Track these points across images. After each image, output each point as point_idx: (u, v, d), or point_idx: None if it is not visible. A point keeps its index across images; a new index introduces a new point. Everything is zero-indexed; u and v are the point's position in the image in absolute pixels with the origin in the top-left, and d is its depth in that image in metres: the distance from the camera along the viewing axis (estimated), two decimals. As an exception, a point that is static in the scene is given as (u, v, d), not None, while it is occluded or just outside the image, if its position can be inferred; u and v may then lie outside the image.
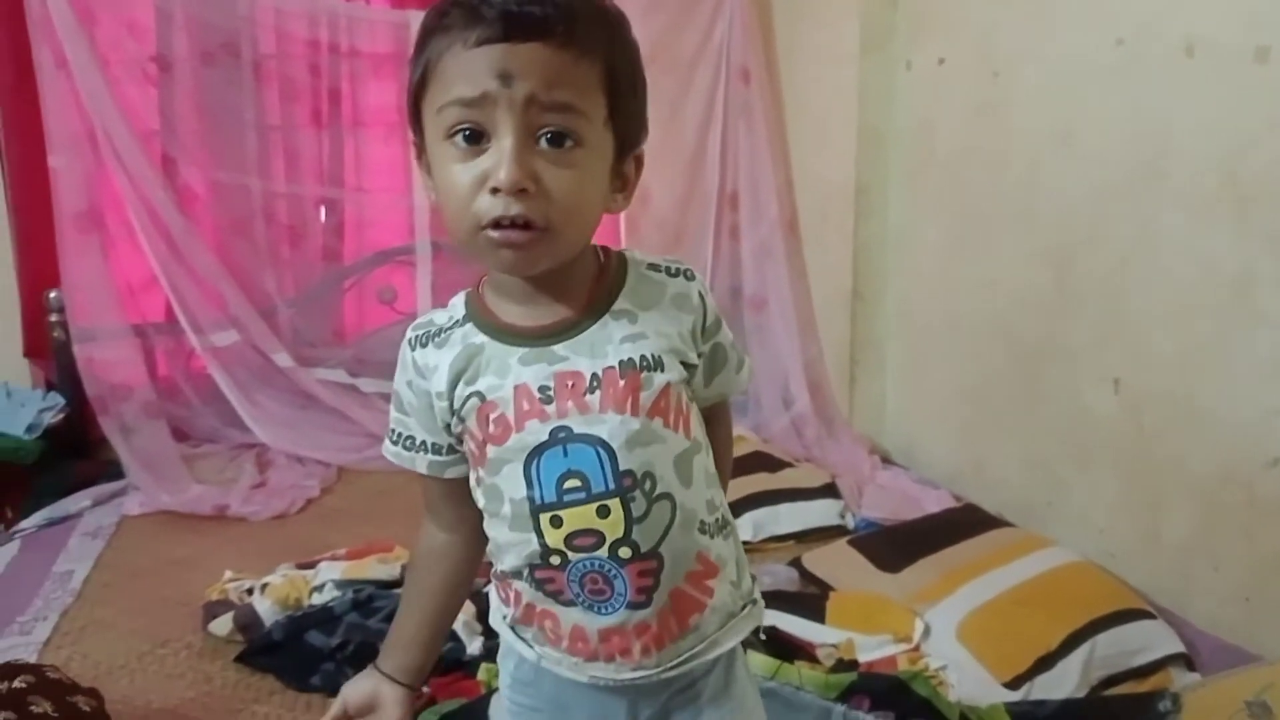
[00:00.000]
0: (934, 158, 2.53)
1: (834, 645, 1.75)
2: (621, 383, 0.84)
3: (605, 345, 0.85)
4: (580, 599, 0.86)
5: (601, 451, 0.83)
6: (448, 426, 0.90)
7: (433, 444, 0.92)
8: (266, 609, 1.91)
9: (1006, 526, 2.12)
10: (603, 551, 0.84)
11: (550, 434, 0.84)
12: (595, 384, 0.84)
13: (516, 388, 0.85)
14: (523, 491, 0.85)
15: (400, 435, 0.94)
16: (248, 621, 1.89)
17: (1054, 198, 2.14)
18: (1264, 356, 1.67)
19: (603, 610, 0.86)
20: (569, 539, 0.84)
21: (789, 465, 2.52)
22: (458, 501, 0.95)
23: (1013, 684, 1.64)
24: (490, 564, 0.95)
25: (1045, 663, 1.65)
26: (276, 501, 2.55)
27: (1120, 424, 2.01)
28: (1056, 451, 2.19)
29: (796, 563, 2.10)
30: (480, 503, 0.90)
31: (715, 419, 0.96)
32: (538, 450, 0.84)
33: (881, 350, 2.81)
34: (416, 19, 2.77)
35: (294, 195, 2.97)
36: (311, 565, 2.08)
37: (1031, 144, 2.21)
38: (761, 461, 2.51)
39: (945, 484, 2.49)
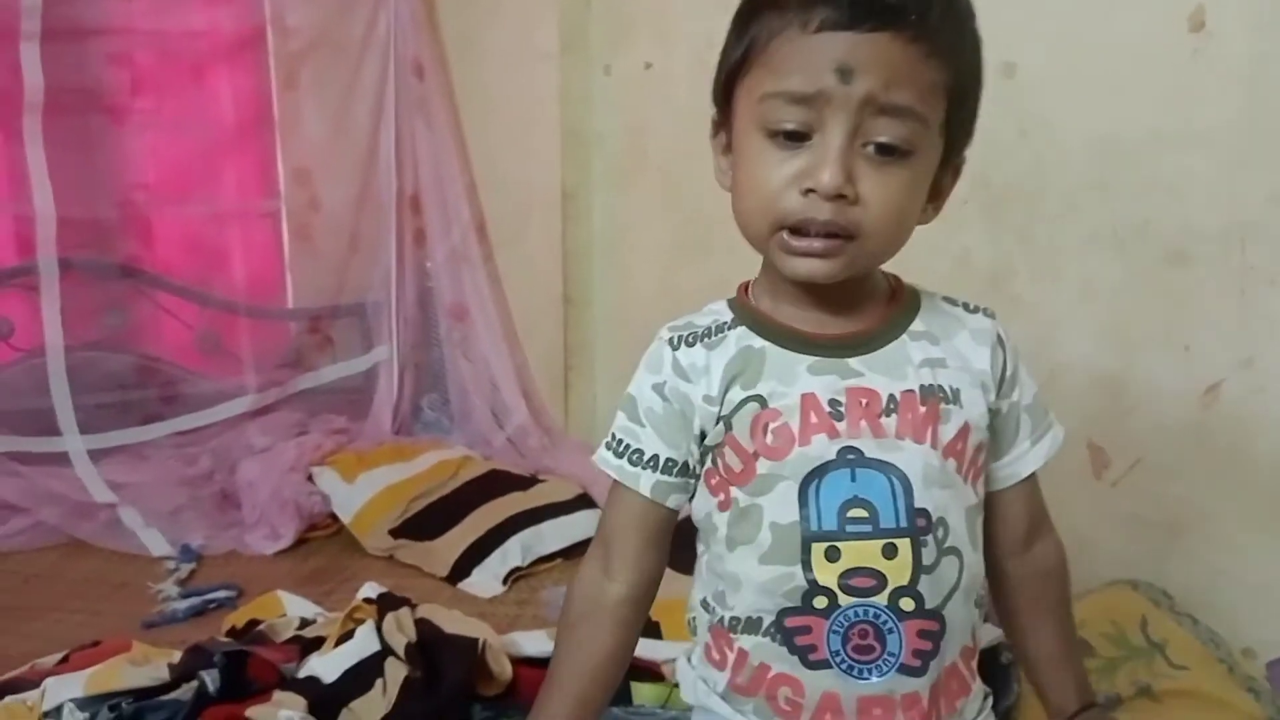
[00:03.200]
0: (647, 162, 2.57)
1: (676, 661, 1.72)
2: (921, 409, 0.76)
3: (904, 365, 0.78)
4: (838, 657, 0.74)
5: (895, 482, 0.74)
6: (702, 436, 0.77)
7: (666, 460, 0.79)
8: (-19, 754, 1.45)
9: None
10: (882, 598, 0.73)
11: (838, 453, 0.74)
12: (892, 406, 0.75)
13: (804, 396, 0.75)
14: (794, 515, 0.74)
15: (626, 447, 0.80)
16: (-43, 777, 1.43)
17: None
18: (1021, 338, 1.91)
19: (866, 674, 0.74)
20: (844, 577, 0.73)
21: (538, 480, 2.42)
22: (653, 543, 0.81)
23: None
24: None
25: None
26: (-107, 607, 1.91)
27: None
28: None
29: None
30: (720, 530, 0.77)
31: (1037, 526, 0.86)
32: (820, 470, 0.74)
33: (592, 355, 2.79)
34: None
35: None
36: (23, 685, 1.60)
37: (758, 151, 2.31)
38: (509, 481, 2.38)
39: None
